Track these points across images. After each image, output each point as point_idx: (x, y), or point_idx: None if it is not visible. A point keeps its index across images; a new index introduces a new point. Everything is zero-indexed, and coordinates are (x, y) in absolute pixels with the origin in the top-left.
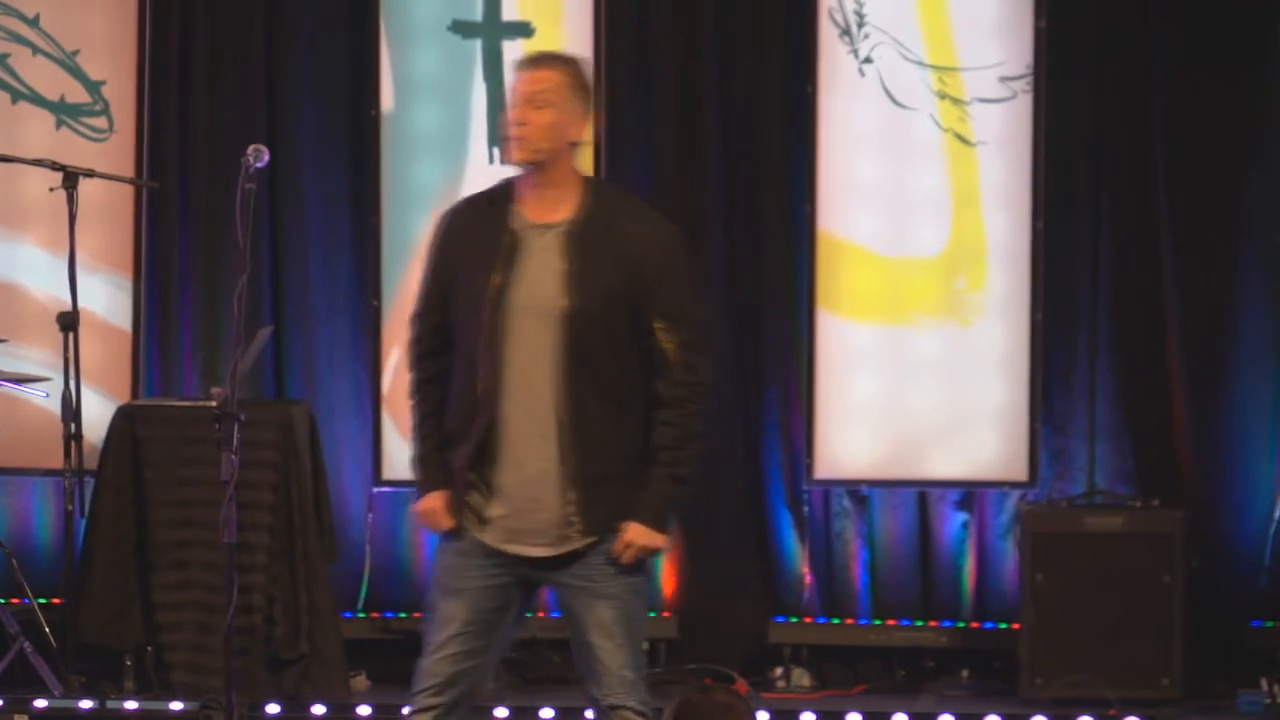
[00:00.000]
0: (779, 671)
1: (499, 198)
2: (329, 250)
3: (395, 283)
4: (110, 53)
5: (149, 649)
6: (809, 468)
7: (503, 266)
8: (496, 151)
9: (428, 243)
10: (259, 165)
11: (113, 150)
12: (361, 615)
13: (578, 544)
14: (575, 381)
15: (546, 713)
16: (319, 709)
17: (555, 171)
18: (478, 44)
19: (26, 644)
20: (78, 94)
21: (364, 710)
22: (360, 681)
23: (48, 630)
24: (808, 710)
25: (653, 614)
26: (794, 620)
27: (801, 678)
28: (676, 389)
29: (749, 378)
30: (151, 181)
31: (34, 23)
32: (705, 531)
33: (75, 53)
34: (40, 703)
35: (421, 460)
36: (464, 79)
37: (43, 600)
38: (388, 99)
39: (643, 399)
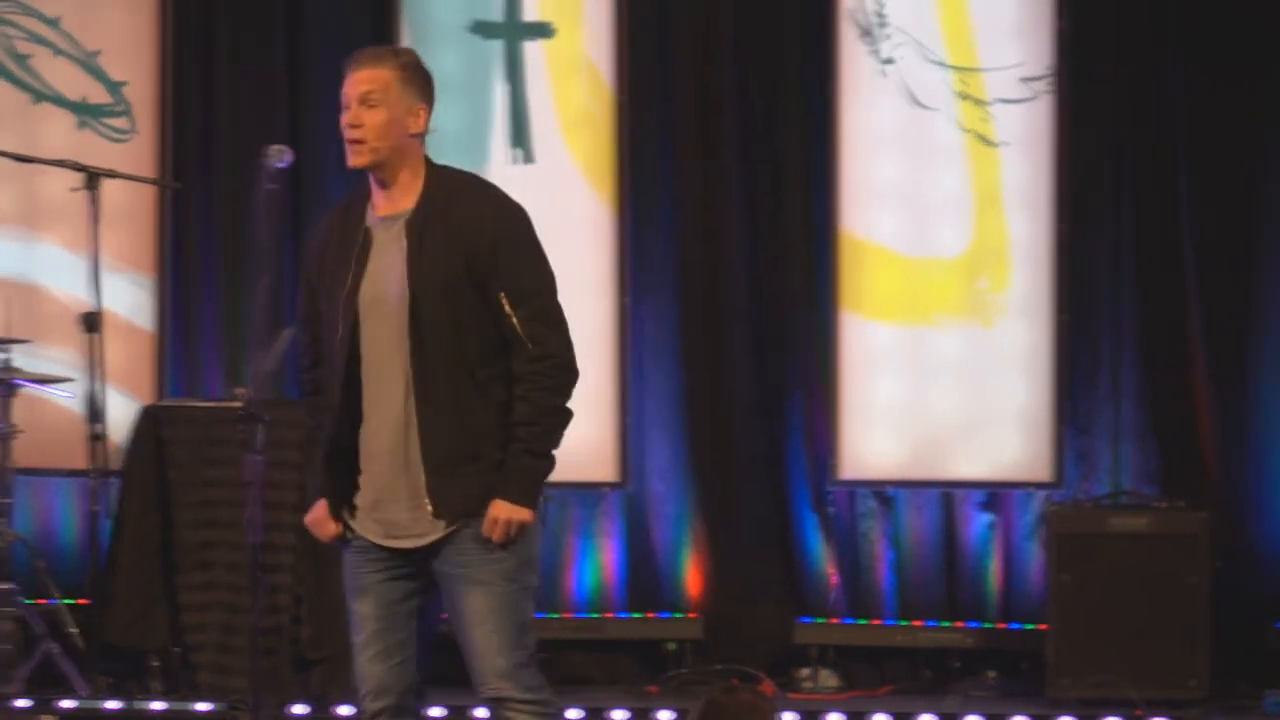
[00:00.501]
0: (805, 672)
1: (356, 201)
2: None
3: None
4: (131, 53)
5: (175, 649)
6: (833, 468)
7: (355, 265)
8: (519, 153)
9: (303, 258)
10: (281, 165)
11: (134, 151)
12: None
13: (440, 532)
14: (421, 367)
15: (573, 713)
16: (345, 709)
17: (399, 166)
18: (499, 44)
19: (53, 645)
20: (99, 95)
21: None
22: None
23: (74, 631)
24: (834, 711)
25: (679, 615)
26: (820, 621)
27: (828, 678)
28: (527, 364)
29: (772, 379)
30: (174, 182)
31: (55, 24)
32: (730, 533)
33: (96, 53)
34: (67, 703)
35: (310, 469)
36: (485, 79)
37: (69, 601)
38: None
39: (504, 379)
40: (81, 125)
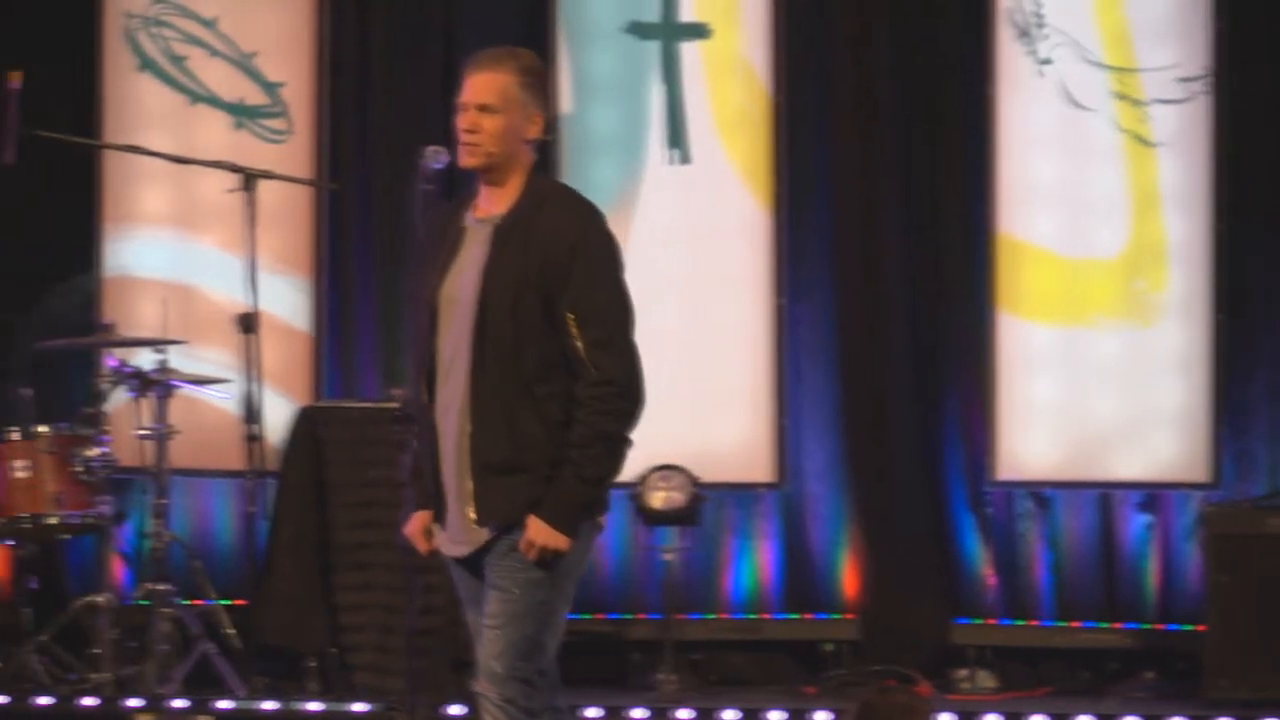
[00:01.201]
0: (962, 673)
1: (466, 198)
2: None
3: None
4: (288, 54)
5: (331, 650)
6: (990, 469)
7: (444, 261)
8: (675, 154)
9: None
10: (437, 166)
11: (291, 152)
12: None
13: (481, 539)
14: (482, 370)
15: (729, 714)
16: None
17: (508, 172)
18: (655, 45)
19: (210, 645)
20: (256, 96)
21: None
22: None
23: (230, 632)
24: (991, 712)
25: (835, 615)
26: (977, 621)
27: (985, 679)
28: (587, 389)
29: (929, 380)
30: (330, 183)
31: (212, 25)
32: (887, 533)
33: (253, 54)
34: (223, 704)
35: (409, 481)
36: (641, 80)
37: (225, 602)
38: (566, 100)
39: (563, 399)
40: (238, 126)
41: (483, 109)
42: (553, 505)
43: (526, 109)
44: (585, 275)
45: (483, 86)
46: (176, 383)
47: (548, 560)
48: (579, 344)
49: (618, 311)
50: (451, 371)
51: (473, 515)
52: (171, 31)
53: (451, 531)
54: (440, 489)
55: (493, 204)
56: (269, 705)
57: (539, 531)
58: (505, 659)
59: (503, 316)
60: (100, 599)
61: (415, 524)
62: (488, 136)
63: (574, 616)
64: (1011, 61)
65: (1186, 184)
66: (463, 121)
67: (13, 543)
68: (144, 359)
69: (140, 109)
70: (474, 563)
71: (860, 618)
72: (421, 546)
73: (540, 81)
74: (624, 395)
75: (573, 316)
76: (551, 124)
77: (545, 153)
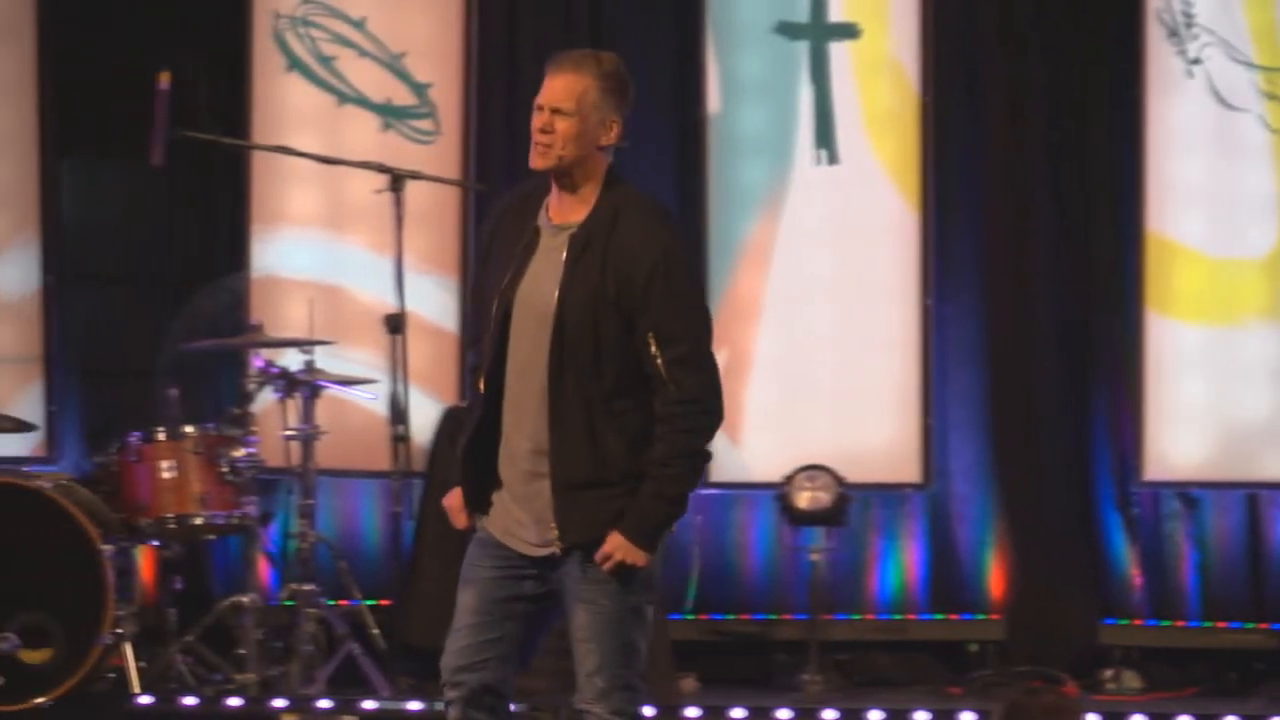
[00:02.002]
0: (1109, 673)
1: (535, 194)
2: None
3: (722, 285)
4: (436, 55)
5: None
6: (1138, 469)
7: (517, 263)
8: (823, 154)
9: (482, 231)
10: None
11: (439, 152)
12: (690, 617)
13: (555, 548)
14: (560, 385)
15: (875, 715)
16: (647, 710)
17: (579, 175)
18: (804, 45)
19: (355, 646)
20: (404, 96)
21: (692, 712)
22: (689, 683)
23: (376, 632)
24: (1138, 713)
25: (981, 616)
26: (1124, 622)
27: (1131, 680)
28: (667, 406)
29: (1077, 379)
30: (478, 184)
31: (360, 25)
32: (1034, 533)
33: (401, 55)
34: (369, 704)
35: (457, 456)
36: (790, 80)
37: (371, 602)
38: (714, 100)
39: (642, 412)
40: (386, 127)
41: (557, 111)
42: (634, 522)
43: (603, 114)
44: (665, 294)
45: (560, 89)
46: (323, 383)
47: (625, 574)
48: (659, 361)
49: (698, 328)
50: (527, 376)
51: (553, 529)
52: (320, 32)
53: (515, 528)
54: (491, 479)
55: (566, 209)
56: (414, 705)
57: (618, 546)
58: (606, 672)
59: (582, 332)
60: (245, 599)
61: (455, 498)
62: (560, 139)
63: (719, 616)
64: (1160, 61)
65: None
66: (537, 122)
67: (158, 543)
68: (291, 359)
69: (289, 110)
70: (541, 560)
71: (1006, 618)
72: (460, 521)
73: (621, 87)
74: (706, 412)
75: (653, 336)
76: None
77: (693, 151)
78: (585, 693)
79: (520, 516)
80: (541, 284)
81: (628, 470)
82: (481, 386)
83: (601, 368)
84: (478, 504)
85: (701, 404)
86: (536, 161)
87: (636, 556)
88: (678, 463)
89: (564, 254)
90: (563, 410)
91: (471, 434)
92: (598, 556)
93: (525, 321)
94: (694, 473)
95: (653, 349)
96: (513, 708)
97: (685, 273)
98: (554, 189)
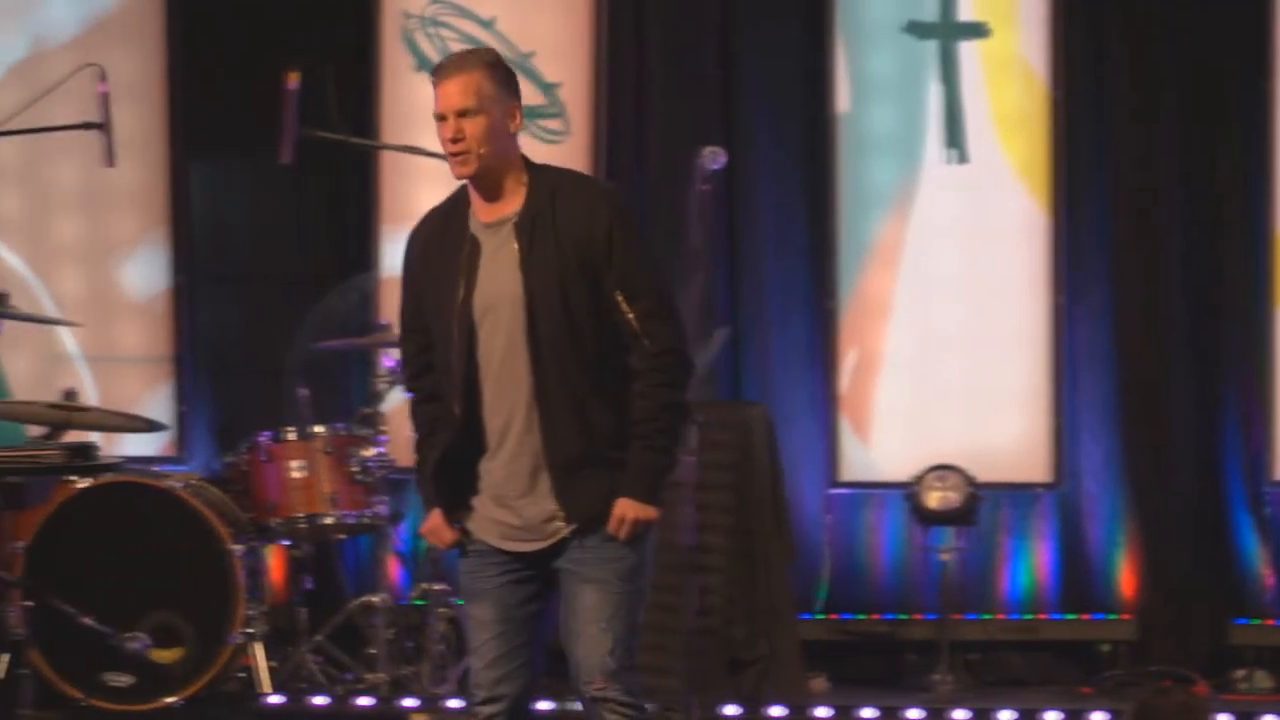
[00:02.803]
0: (1240, 673)
1: (456, 207)
2: (784, 252)
3: (851, 285)
4: (565, 55)
5: None
6: (1270, 468)
7: (466, 273)
8: (953, 153)
9: (401, 265)
10: (714, 167)
11: (568, 152)
12: (820, 617)
13: (564, 532)
14: (541, 370)
15: (1005, 715)
16: (777, 710)
17: (505, 170)
18: (933, 44)
19: (440, 646)
20: (533, 96)
21: (822, 712)
22: (819, 683)
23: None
24: (1269, 713)
25: (1112, 616)
26: (1255, 622)
27: (1263, 680)
28: (644, 360)
29: (1208, 379)
30: (607, 183)
31: (489, 25)
32: (1165, 533)
33: (530, 55)
34: (453, 704)
35: (421, 479)
36: (920, 80)
37: (460, 602)
38: (843, 99)
39: (621, 378)
40: None
41: (462, 114)
42: (635, 481)
43: (504, 103)
44: (624, 250)
45: (456, 91)
46: None
47: (640, 535)
48: (630, 317)
49: (660, 279)
50: (503, 376)
51: (557, 511)
52: (449, 32)
53: (514, 530)
54: (474, 486)
55: (498, 205)
56: (545, 705)
57: (628, 508)
58: (619, 653)
59: (553, 310)
60: (376, 599)
61: (436, 518)
62: (475, 140)
63: (849, 616)
64: None
65: None
66: (445, 132)
67: (289, 543)
68: None
69: (417, 109)
70: (542, 556)
71: (1137, 618)
72: (445, 539)
73: (508, 74)
74: (681, 362)
75: (620, 293)
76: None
77: (822, 151)
78: (596, 675)
79: (518, 517)
80: (501, 281)
81: (619, 439)
82: (456, 407)
83: (581, 341)
84: (457, 518)
85: (676, 354)
86: (459, 171)
87: (647, 512)
88: (664, 416)
89: (514, 244)
90: (549, 392)
91: (441, 454)
92: (611, 525)
93: (493, 324)
94: (679, 423)
95: (623, 305)
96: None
97: (637, 227)
98: (474, 195)
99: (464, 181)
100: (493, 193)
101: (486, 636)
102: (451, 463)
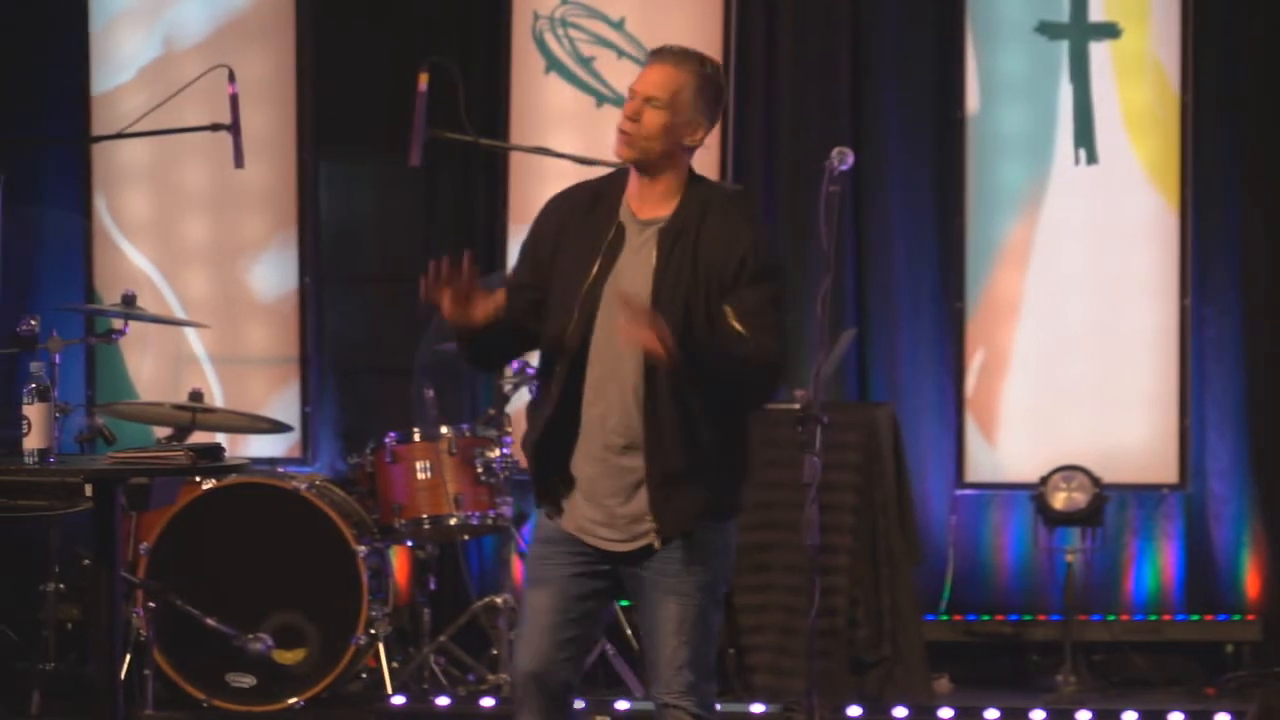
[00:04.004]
0: None
1: (610, 190)
2: (913, 252)
3: (980, 285)
4: None
5: (731, 650)
6: None
7: (604, 258)
8: (1082, 153)
9: (533, 225)
10: (843, 168)
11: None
12: (944, 618)
13: (652, 541)
14: (654, 379)
15: (1129, 715)
16: (900, 711)
17: (664, 170)
18: (1064, 45)
19: (609, 646)
20: None
21: (946, 713)
22: (943, 684)
23: (630, 633)
24: None
25: (1237, 617)
26: None
27: None
28: (749, 342)
29: None
30: (735, 184)
31: (619, 25)
32: None
33: None
34: (622, 704)
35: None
36: (1050, 80)
37: (625, 603)
38: (973, 100)
39: (724, 399)
40: None
41: (649, 100)
42: (690, 335)
43: (694, 114)
44: (751, 280)
45: (657, 79)
46: None
47: (717, 563)
48: (734, 324)
49: (775, 311)
50: (616, 371)
51: (651, 522)
52: (579, 32)
53: (599, 525)
54: (565, 473)
55: (652, 204)
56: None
57: (661, 335)
58: (696, 666)
59: (674, 325)
60: (499, 600)
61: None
62: (646, 129)
63: (973, 617)
64: None
65: None
66: (626, 109)
67: (413, 544)
68: None
69: (547, 110)
70: (619, 556)
71: (1262, 619)
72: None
73: (717, 93)
74: (778, 366)
75: (731, 310)
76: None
77: (952, 151)
78: (673, 686)
79: (595, 515)
80: (632, 279)
81: (718, 454)
82: (555, 386)
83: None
84: (549, 500)
85: (775, 354)
86: (622, 152)
87: (667, 350)
88: (757, 359)
89: (654, 249)
90: (657, 403)
91: (544, 430)
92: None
93: (611, 318)
94: (738, 373)
95: (731, 320)
96: (764, 708)
97: (774, 267)
98: (635, 182)
99: (627, 167)
100: (650, 189)
101: (540, 623)
102: (544, 446)
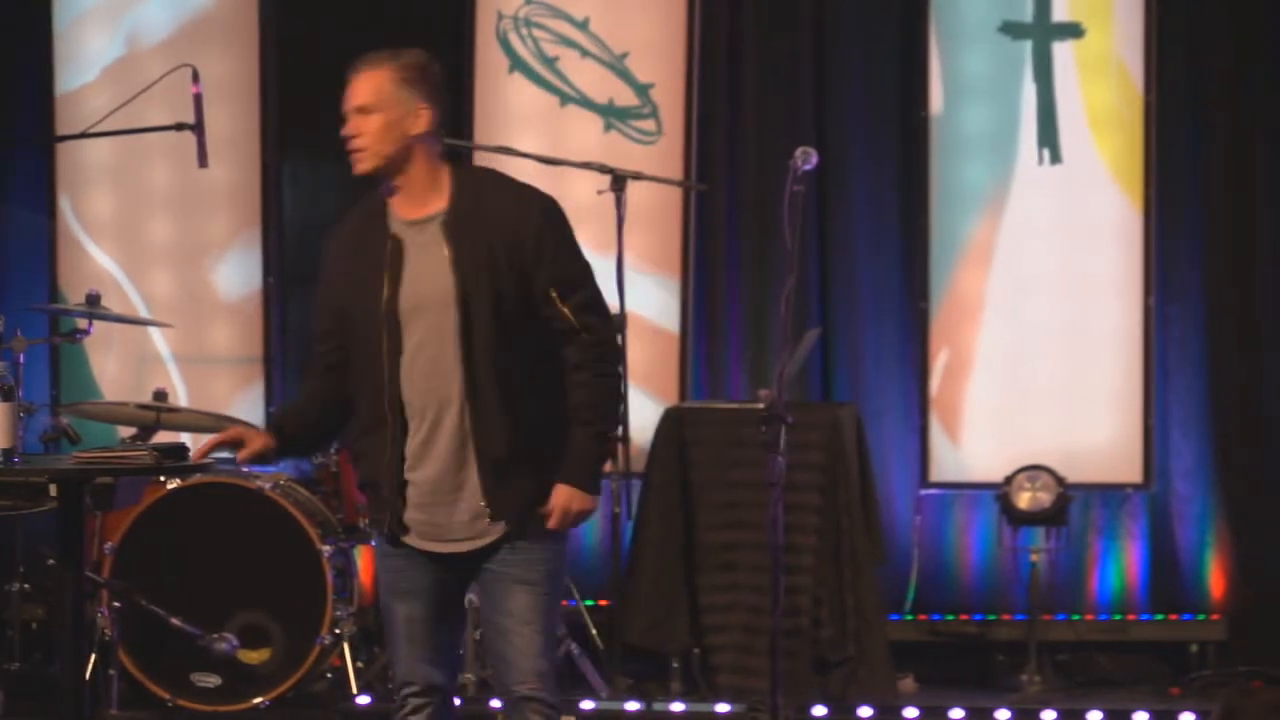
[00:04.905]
0: None
1: (374, 208)
2: (876, 252)
3: (944, 284)
4: (659, 55)
5: (695, 650)
6: None
7: (390, 270)
8: (1046, 153)
9: (320, 268)
10: (807, 168)
11: (660, 153)
12: (909, 617)
13: (493, 534)
14: (473, 368)
15: (1094, 715)
16: (865, 711)
17: (415, 168)
18: (1028, 45)
19: (573, 645)
20: (626, 97)
21: (911, 713)
22: (908, 684)
23: (594, 632)
24: None
25: (1201, 616)
26: None
27: None
28: (584, 351)
29: None
30: (699, 184)
31: (583, 26)
32: (1255, 533)
33: (624, 55)
34: (587, 704)
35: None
36: (1014, 80)
37: (589, 602)
38: (937, 99)
39: (553, 375)
40: (608, 128)
41: (359, 110)
42: (576, 469)
43: (408, 104)
44: (555, 246)
45: (357, 89)
46: None
47: (580, 522)
48: (566, 310)
49: (589, 272)
50: (432, 375)
51: (485, 510)
52: (543, 32)
53: (443, 529)
54: (397, 490)
55: (419, 204)
56: (632, 706)
57: (567, 496)
58: (547, 654)
59: (486, 307)
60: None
61: (257, 438)
62: (369, 138)
63: (938, 617)
64: None
65: None
66: (345, 130)
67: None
68: None
69: (511, 110)
70: (471, 555)
71: (1227, 619)
72: (251, 444)
73: (422, 75)
74: (616, 354)
75: (554, 289)
76: (444, 117)
77: (915, 150)
78: (527, 676)
79: (447, 517)
80: (430, 277)
81: (548, 436)
82: (385, 405)
83: (512, 339)
84: (393, 520)
85: (611, 343)
86: (356, 168)
87: (585, 502)
88: (605, 404)
89: (443, 240)
90: (481, 392)
91: (387, 447)
92: (553, 518)
93: (419, 323)
94: (618, 411)
95: (557, 302)
96: (728, 708)
97: (565, 222)
98: (398, 190)
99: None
100: (406, 191)
101: (413, 634)
102: (373, 462)
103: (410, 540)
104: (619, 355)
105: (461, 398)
